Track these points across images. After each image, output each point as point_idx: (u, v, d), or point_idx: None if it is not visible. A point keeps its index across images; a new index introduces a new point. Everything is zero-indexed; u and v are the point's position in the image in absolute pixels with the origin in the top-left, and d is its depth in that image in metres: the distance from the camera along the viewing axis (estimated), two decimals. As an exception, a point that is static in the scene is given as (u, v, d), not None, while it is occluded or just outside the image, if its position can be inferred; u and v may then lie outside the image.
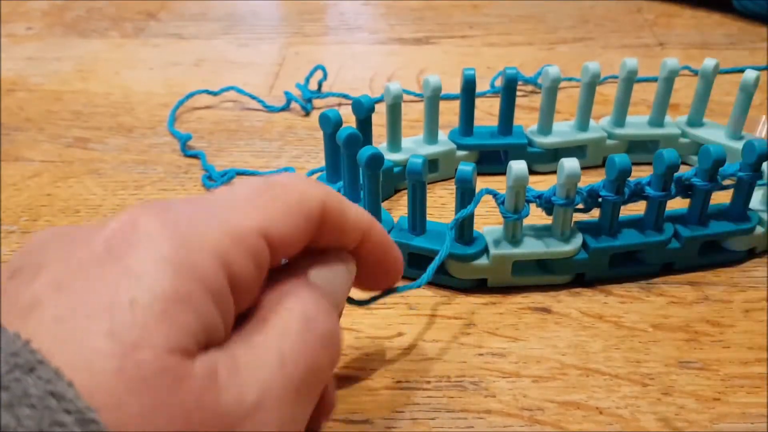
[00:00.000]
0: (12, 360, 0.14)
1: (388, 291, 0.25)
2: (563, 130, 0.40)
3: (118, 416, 0.14)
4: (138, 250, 0.16)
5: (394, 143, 0.37)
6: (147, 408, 0.14)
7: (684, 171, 0.31)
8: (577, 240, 0.31)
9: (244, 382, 0.16)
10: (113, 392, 0.14)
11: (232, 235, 0.17)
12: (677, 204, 0.33)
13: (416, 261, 0.31)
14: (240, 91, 0.48)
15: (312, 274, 0.20)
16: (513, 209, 0.30)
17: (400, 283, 0.25)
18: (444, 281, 0.31)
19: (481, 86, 0.46)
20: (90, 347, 0.14)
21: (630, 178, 0.30)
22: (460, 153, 0.39)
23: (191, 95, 0.47)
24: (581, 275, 0.31)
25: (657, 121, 0.40)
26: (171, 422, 0.14)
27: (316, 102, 0.48)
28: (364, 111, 0.34)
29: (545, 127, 0.39)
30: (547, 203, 0.30)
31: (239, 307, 0.18)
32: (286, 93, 0.47)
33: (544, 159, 0.39)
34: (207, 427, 0.15)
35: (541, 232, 0.31)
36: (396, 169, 0.37)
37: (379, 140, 0.39)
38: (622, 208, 0.31)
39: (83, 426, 0.13)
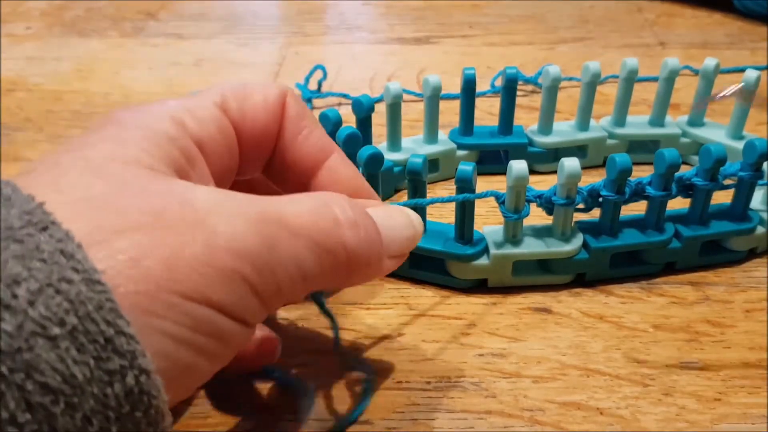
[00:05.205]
0: (26, 217, 0.14)
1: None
2: (564, 129, 0.40)
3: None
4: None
5: (394, 143, 0.37)
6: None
7: (685, 171, 0.31)
8: (578, 240, 0.31)
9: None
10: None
11: (186, 106, 0.22)
12: (678, 204, 0.32)
13: (416, 261, 0.31)
14: (240, 90, 0.48)
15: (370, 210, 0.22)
16: (513, 209, 0.29)
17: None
18: (444, 281, 0.31)
19: (481, 86, 0.46)
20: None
21: (631, 178, 0.30)
22: (460, 153, 0.39)
23: (191, 95, 0.47)
24: (582, 275, 0.31)
25: (658, 120, 0.40)
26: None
27: (316, 102, 0.48)
28: (364, 111, 0.34)
29: (545, 127, 0.39)
30: (547, 203, 0.30)
31: (214, 165, 0.21)
32: (286, 93, 0.47)
33: (545, 159, 0.39)
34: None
35: (541, 232, 0.31)
36: (396, 169, 0.37)
37: (379, 140, 0.39)
38: (623, 207, 0.31)
39: (89, 285, 0.14)
